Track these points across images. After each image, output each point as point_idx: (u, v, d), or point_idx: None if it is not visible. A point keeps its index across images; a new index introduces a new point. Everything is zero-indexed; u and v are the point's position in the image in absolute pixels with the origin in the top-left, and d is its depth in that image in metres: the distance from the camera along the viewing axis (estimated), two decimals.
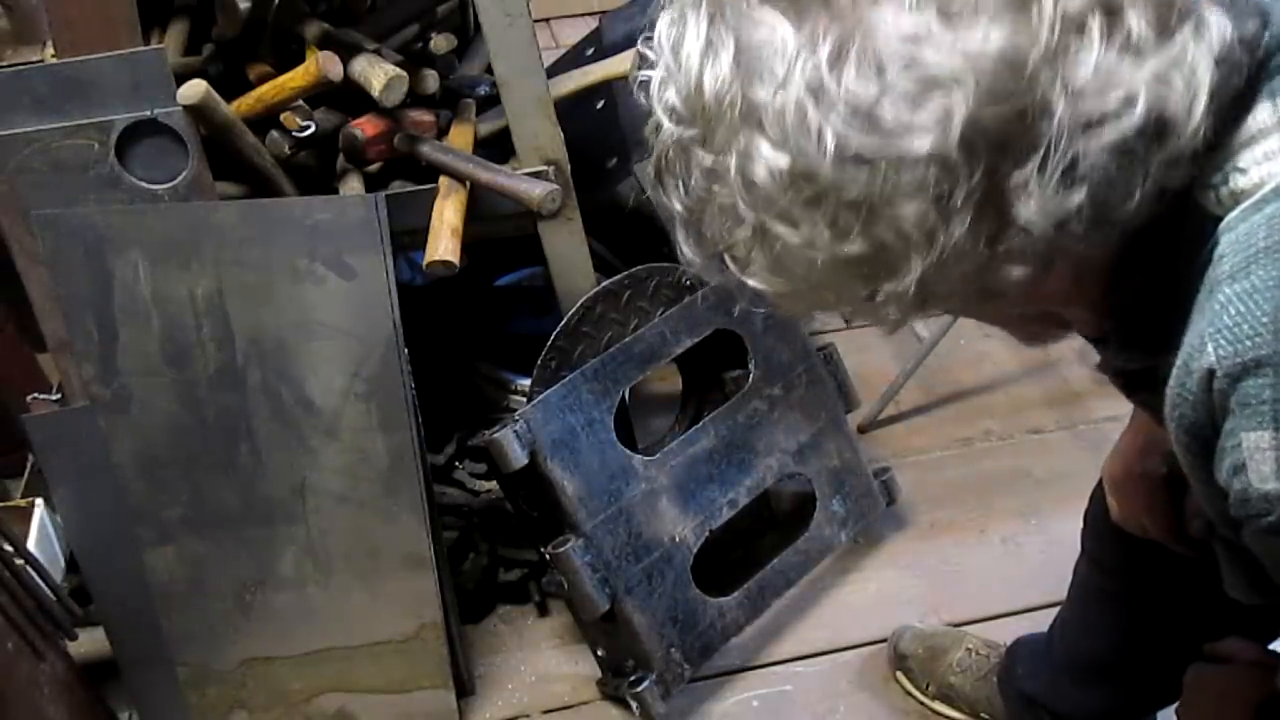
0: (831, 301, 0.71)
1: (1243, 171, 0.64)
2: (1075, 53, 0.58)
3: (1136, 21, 0.59)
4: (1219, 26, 0.61)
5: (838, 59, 0.59)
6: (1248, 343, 0.61)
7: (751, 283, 0.70)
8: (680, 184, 0.69)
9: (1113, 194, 0.62)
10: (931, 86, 0.58)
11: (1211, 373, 0.63)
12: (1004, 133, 0.59)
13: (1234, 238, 0.63)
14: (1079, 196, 0.61)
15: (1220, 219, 0.64)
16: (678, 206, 0.70)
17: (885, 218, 0.62)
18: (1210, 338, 0.62)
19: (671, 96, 0.66)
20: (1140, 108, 0.59)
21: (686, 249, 0.73)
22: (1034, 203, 0.61)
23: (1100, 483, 1.19)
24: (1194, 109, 0.60)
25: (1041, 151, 0.59)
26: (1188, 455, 0.69)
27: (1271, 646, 0.99)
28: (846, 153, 0.60)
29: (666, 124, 0.67)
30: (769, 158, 0.62)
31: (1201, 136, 0.61)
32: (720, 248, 0.70)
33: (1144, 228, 0.65)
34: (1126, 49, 0.59)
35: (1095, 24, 0.58)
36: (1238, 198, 0.64)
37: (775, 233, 0.65)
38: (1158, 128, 0.60)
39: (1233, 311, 0.62)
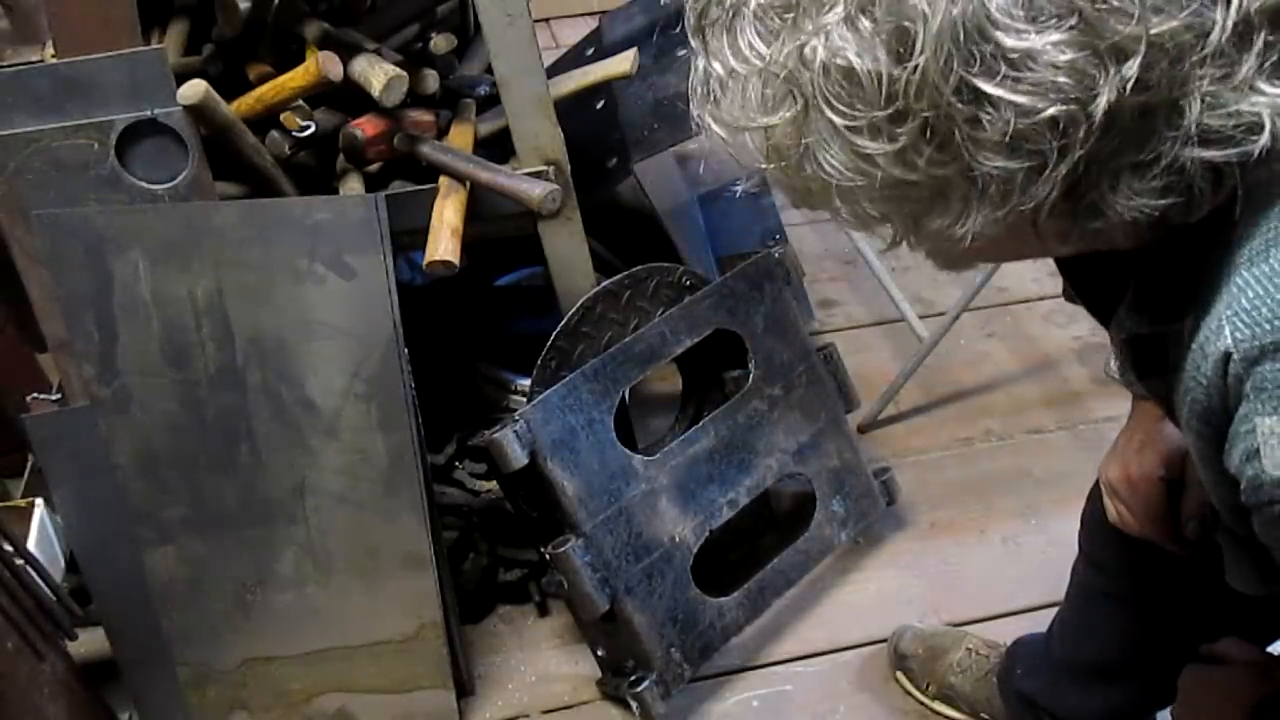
0: (850, 211, 0.62)
1: None
2: (1232, 62, 0.53)
3: None
4: None
5: None
6: (1266, 326, 0.60)
7: (771, 172, 0.62)
8: (728, 43, 0.58)
9: (1191, 203, 0.59)
10: (1096, 53, 0.52)
11: (1228, 356, 0.61)
12: (1128, 122, 0.54)
13: (1255, 221, 0.62)
14: (1164, 202, 0.58)
15: None
16: (715, 67, 0.60)
17: (969, 163, 0.55)
18: (1227, 320, 0.61)
19: None
20: (1264, 137, 0.55)
21: (703, 112, 0.63)
22: (1119, 199, 0.57)
23: (1097, 483, 1.19)
24: None
25: (1151, 152, 0.56)
26: (1200, 442, 0.68)
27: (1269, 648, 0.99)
28: (971, 87, 0.53)
29: None
30: (874, 60, 0.53)
31: None
32: (748, 124, 0.60)
33: None
34: (1278, 72, 0.55)
35: (1261, 37, 0.53)
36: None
37: (831, 128, 0.56)
38: (1263, 152, 0.56)
39: (1251, 294, 0.60)
